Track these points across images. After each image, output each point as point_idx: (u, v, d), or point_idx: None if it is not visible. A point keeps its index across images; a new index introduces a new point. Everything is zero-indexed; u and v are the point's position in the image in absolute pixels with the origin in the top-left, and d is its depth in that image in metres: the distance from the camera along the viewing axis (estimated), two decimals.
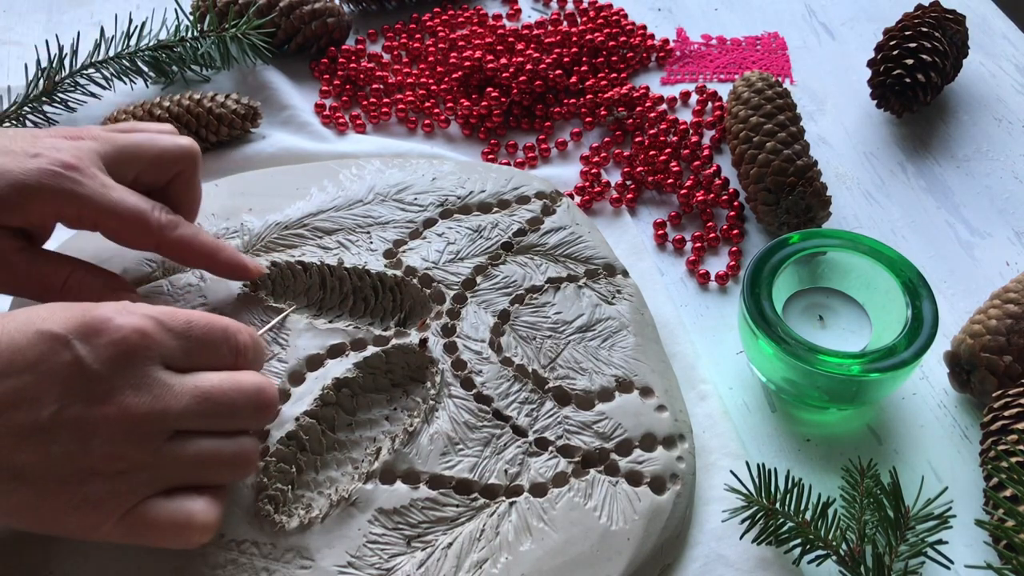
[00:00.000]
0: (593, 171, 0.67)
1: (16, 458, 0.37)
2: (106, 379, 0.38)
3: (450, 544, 0.45)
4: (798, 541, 0.45)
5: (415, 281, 0.55)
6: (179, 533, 0.39)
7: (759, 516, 0.46)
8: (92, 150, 0.47)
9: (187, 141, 0.50)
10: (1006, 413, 0.49)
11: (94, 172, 0.46)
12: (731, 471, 0.49)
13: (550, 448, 0.49)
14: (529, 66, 0.72)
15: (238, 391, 0.41)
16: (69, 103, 0.69)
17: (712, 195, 0.65)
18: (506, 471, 0.47)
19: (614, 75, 0.74)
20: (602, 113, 0.71)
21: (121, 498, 0.38)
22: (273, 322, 0.51)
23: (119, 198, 0.46)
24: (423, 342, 0.52)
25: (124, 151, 0.48)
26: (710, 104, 0.73)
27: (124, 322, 0.39)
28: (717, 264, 0.63)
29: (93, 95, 0.69)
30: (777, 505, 0.46)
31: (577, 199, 0.65)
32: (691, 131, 0.70)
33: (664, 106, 0.73)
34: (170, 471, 0.39)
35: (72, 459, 0.37)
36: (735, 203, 0.65)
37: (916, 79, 0.68)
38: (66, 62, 0.69)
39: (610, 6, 0.81)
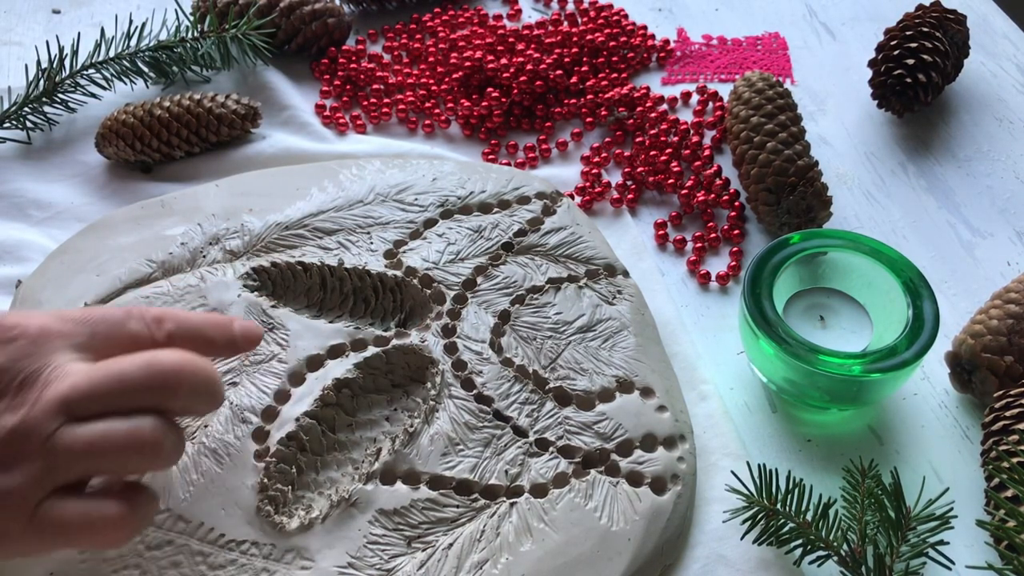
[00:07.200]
0: (594, 171, 0.67)
1: None
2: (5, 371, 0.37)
3: (450, 545, 0.45)
4: (799, 542, 0.45)
5: (415, 281, 0.55)
6: (92, 528, 0.37)
7: (760, 517, 0.46)
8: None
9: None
10: (1007, 413, 0.49)
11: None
12: (732, 471, 0.49)
13: (551, 449, 0.49)
14: (529, 66, 0.72)
15: (133, 365, 0.38)
16: (69, 103, 0.69)
17: (713, 195, 0.65)
18: (507, 472, 0.47)
19: (615, 75, 0.74)
20: (603, 113, 0.71)
21: (22, 494, 0.36)
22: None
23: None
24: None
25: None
26: (711, 104, 0.73)
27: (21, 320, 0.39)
28: (718, 264, 0.63)
29: (93, 95, 0.69)
30: (778, 506, 0.46)
31: (577, 199, 0.65)
32: (692, 131, 0.70)
33: (665, 106, 0.73)
34: (65, 458, 0.36)
35: None
36: (736, 203, 0.65)
37: (917, 79, 0.68)
38: (66, 63, 0.69)
39: (610, 6, 0.81)
